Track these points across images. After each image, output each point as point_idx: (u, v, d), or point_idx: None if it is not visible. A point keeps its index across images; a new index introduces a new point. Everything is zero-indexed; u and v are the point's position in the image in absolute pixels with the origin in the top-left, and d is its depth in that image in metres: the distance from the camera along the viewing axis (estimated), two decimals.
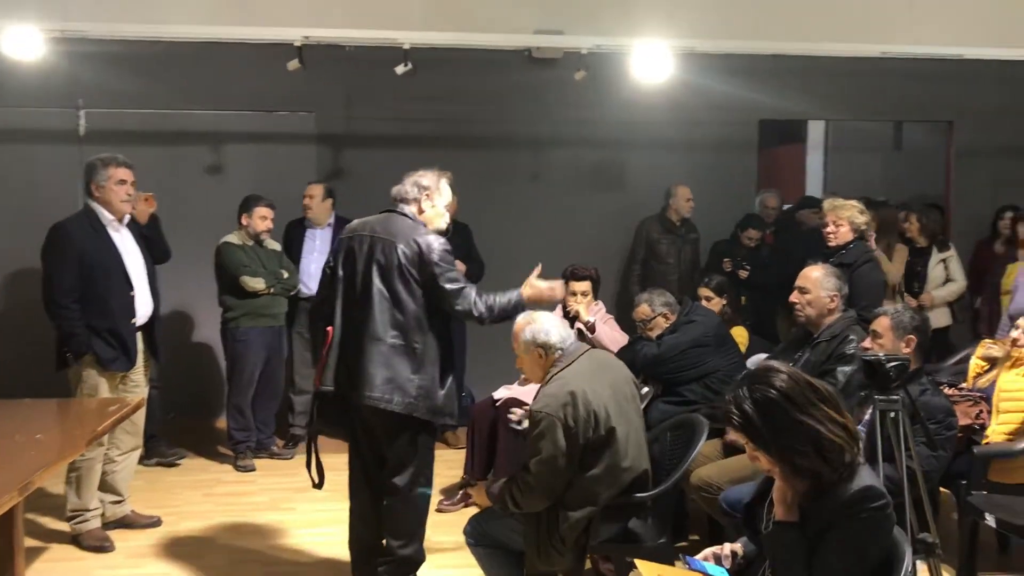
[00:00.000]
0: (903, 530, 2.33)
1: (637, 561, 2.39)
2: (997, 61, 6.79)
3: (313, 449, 3.83)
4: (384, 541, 3.76)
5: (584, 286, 5.01)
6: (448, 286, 3.58)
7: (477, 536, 3.36)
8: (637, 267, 6.79)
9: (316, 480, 3.81)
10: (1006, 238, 6.61)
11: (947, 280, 6.38)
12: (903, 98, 7.24)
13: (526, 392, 4.92)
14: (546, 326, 3.35)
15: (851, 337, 3.89)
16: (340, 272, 3.65)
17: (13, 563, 3.56)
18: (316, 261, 6.01)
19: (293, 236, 6.04)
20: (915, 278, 6.32)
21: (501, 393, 5.02)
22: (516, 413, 3.93)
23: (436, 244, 3.58)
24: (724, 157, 7.12)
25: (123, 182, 4.44)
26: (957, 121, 7.36)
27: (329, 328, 3.61)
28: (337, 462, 5.68)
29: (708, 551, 2.40)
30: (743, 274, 6.52)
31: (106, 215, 4.44)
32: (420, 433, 3.63)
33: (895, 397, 2.87)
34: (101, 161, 4.44)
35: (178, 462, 5.79)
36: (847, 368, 3.80)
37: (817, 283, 4.03)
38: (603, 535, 3.25)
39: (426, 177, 3.75)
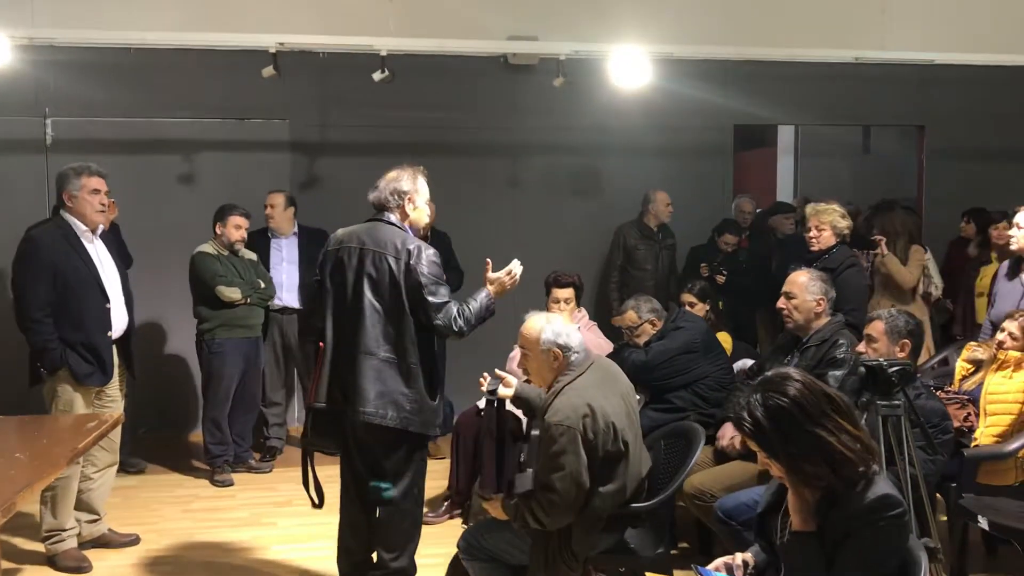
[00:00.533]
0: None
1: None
2: (967, 66, 6.90)
3: (310, 466, 3.74)
4: (375, 554, 3.70)
5: (567, 293, 4.97)
6: (431, 299, 3.51)
7: (472, 550, 3.29)
8: (615, 273, 6.78)
9: (316, 500, 3.73)
10: (978, 241, 6.68)
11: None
12: (875, 103, 7.31)
13: (503, 374, 4.85)
14: (567, 328, 3.29)
15: (841, 341, 3.89)
16: (328, 285, 3.56)
17: None
18: (286, 271, 5.95)
19: (258, 246, 5.91)
20: None
21: (485, 402, 4.96)
22: (485, 379, 3.79)
23: (426, 254, 3.53)
24: (700, 162, 7.15)
25: (96, 191, 4.32)
26: (928, 126, 7.44)
27: (321, 343, 3.54)
28: (320, 475, 5.64)
29: (720, 561, 2.37)
30: (720, 279, 6.53)
31: (80, 226, 4.32)
32: (414, 446, 3.60)
33: (897, 402, 2.87)
34: (73, 170, 4.32)
35: (136, 472, 5.71)
36: (838, 372, 3.80)
37: (803, 288, 4.03)
38: (600, 546, 3.21)
39: (403, 181, 3.66)
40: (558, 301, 4.94)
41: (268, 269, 5.86)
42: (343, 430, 3.63)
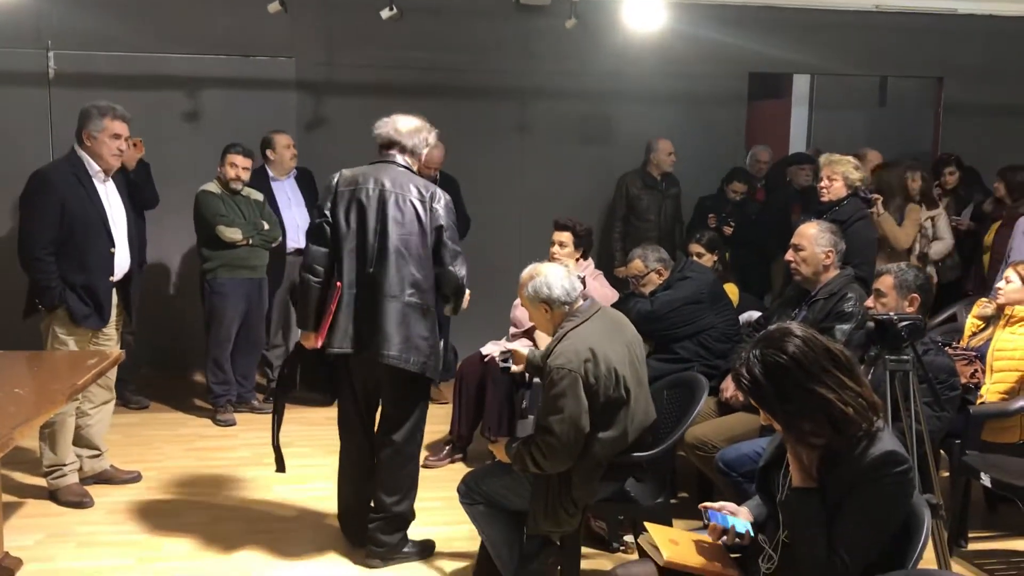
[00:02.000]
0: None
1: (648, 525, 2.34)
2: (988, 16, 6.73)
3: (278, 424, 3.81)
4: (375, 499, 3.71)
5: (563, 236, 4.89)
6: (451, 244, 3.57)
7: (472, 495, 3.29)
8: (618, 224, 6.69)
9: (280, 465, 3.84)
10: (994, 198, 6.57)
11: (935, 238, 6.35)
12: (894, 53, 7.16)
13: (515, 347, 4.85)
14: (549, 279, 3.21)
15: (849, 295, 3.83)
16: (344, 226, 3.51)
17: None
18: (297, 213, 5.91)
19: (260, 188, 5.80)
20: None
21: (489, 348, 4.95)
22: (499, 353, 3.80)
23: (445, 199, 3.56)
24: (713, 110, 7.02)
25: (117, 136, 4.24)
26: (947, 78, 7.29)
27: (338, 284, 3.50)
28: (317, 417, 5.67)
29: (730, 505, 2.34)
30: (727, 230, 6.45)
31: (93, 166, 4.24)
32: (423, 391, 3.65)
33: (905, 357, 2.82)
34: (98, 110, 4.21)
35: (139, 409, 5.74)
36: (846, 326, 3.75)
37: (812, 240, 3.96)
38: (600, 494, 3.19)
39: (430, 136, 3.70)
40: (554, 244, 4.90)
41: (278, 211, 5.79)
42: (346, 374, 3.62)
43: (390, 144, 3.64)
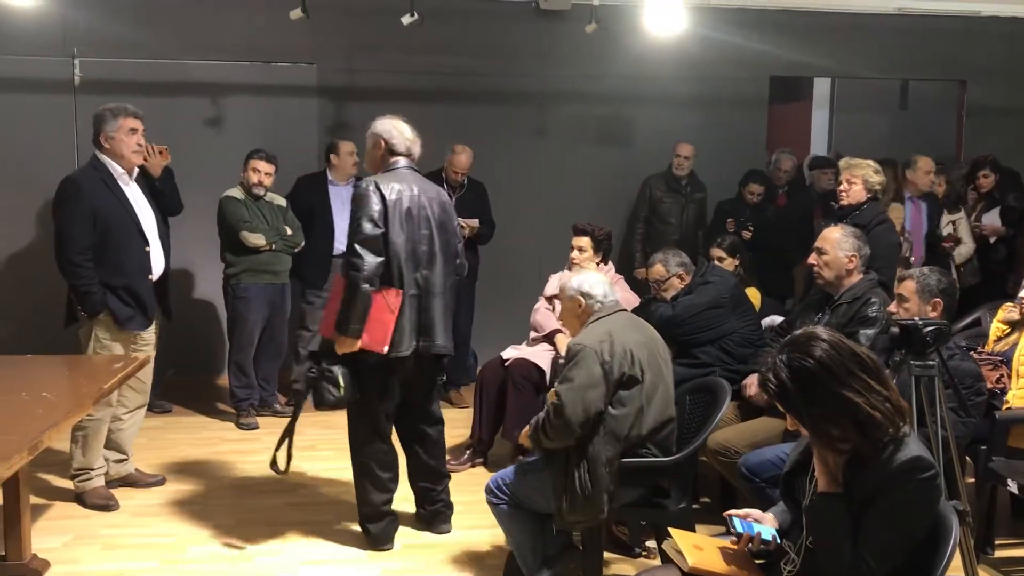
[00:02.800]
0: None
1: (672, 530, 2.34)
2: (1011, 19, 6.68)
3: (293, 431, 3.93)
4: (431, 473, 4.05)
5: (581, 241, 4.93)
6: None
7: (498, 495, 3.31)
8: (640, 226, 6.70)
9: (284, 468, 3.93)
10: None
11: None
12: (916, 56, 7.11)
13: (535, 352, 4.87)
14: (593, 279, 3.44)
15: (873, 300, 3.80)
16: (400, 235, 3.67)
17: (20, 520, 3.51)
18: (347, 220, 5.93)
19: (316, 192, 5.87)
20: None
21: (510, 353, 4.96)
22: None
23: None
24: (734, 114, 7.01)
25: (133, 131, 4.29)
26: (970, 80, 7.23)
27: (397, 292, 3.67)
28: (338, 420, 5.67)
29: (755, 512, 2.34)
30: (747, 234, 6.41)
31: (117, 168, 4.29)
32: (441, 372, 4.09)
33: (931, 362, 2.80)
34: (110, 111, 4.27)
35: (162, 413, 5.80)
36: (870, 331, 3.72)
37: (835, 244, 3.93)
38: (624, 499, 3.20)
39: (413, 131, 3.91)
40: (573, 249, 4.95)
41: (331, 216, 5.82)
42: (383, 377, 3.76)
43: (408, 152, 3.83)
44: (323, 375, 3.66)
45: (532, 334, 5.07)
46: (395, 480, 3.94)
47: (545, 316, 5.03)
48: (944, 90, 8.70)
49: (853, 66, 7.25)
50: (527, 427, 3.37)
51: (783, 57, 6.85)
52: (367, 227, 3.58)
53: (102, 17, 6.11)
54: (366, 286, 3.57)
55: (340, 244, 5.88)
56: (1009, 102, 7.11)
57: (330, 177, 5.97)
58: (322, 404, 3.70)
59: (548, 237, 6.69)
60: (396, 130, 3.81)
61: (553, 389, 3.25)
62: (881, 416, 2.03)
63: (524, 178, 6.82)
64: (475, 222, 5.99)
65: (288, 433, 3.90)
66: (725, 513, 2.36)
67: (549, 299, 5.12)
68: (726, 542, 2.30)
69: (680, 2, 5.83)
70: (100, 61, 6.20)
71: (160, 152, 4.98)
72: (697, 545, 2.27)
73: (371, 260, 3.58)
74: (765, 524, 2.29)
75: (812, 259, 3.99)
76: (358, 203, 3.64)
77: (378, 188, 3.65)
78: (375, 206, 3.62)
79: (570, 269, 5.04)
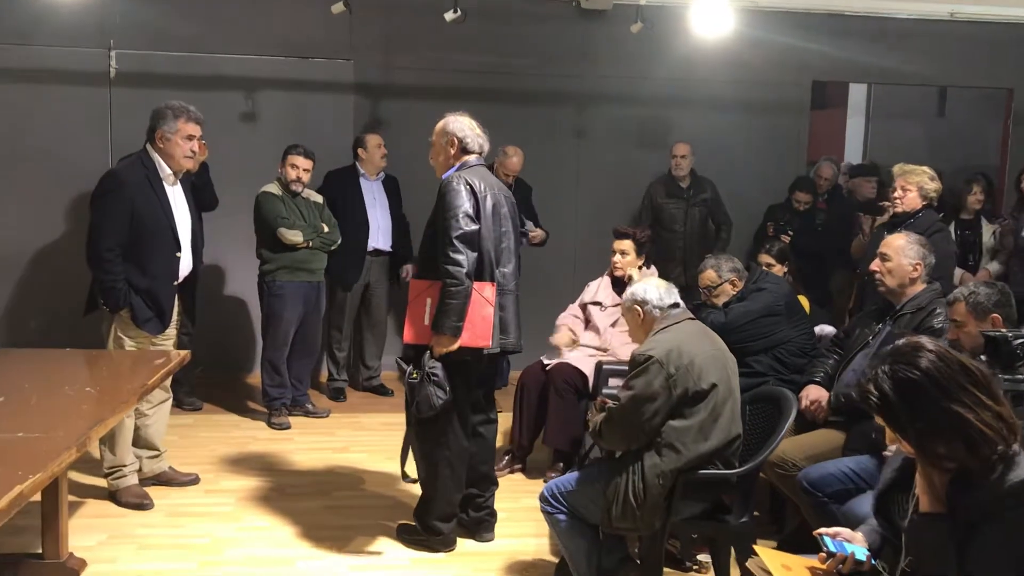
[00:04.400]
0: None
1: (759, 549, 2.22)
2: None
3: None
4: (482, 477, 3.94)
5: (624, 245, 4.86)
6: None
7: (553, 504, 3.21)
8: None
9: (415, 476, 3.85)
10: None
11: (997, 252, 6.15)
12: (963, 63, 6.96)
13: (577, 357, 4.76)
14: (645, 285, 3.38)
15: (938, 311, 3.67)
16: (490, 231, 3.63)
17: (58, 519, 3.43)
18: (380, 215, 5.93)
19: (347, 187, 5.83)
20: (970, 250, 6.10)
21: (551, 358, 4.84)
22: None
23: None
24: (775, 119, 6.89)
25: (191, 138, 4.21)
26: (1017, 88, 7.09)
27: (493, 285, 3.62)
28: (372, 422, 5.61)
29: (845, 532, 2.22)
30: (785, 239, 6.29)
31: (164, 168, 4.21)
32: None
33: (1021, 376, 2.67)
34: (172, 111, 4.17)
35: (192, 410, 5.73)
36: None
37: (900, 251, 3.80)
38: (684, 512, 3.09)
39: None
40: (615, 253, 4.89)
41: (364, 211, 5.79)
42: (467, 373, 3.69)
43: (480, 148, 3.78)
44: (429, 378, 3.52)
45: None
46: (459, 485, 3.85)
47: (570, 318, 4.97)
48: (983, 97, 8.55)
49: (898, 73, 7.11)
50: (594, 408, 3.38)
51: (827, 61, 6.73)
52: (464, 223, 3.50)
53: (139, 9, 6.05)
54: (468, 282, 3.50)
55: (374, 241, 5.87)
56: None
57: (360, 171, 5.91)
58: (430, 409, 3.55)
59: (585, 240, 6.60)
60: (469, 128, 3.75)
61: (616, 391, 3.22)
62: (992, 433, 1.91)
63: (562, 180, 6.72)
64: (541, 233, 5.97)
65: (408, 442, 3.82)
66: (815, 532, 2.23)
67: (584, 306, 5.02)
68: (814, 561, 2.18)
69: (727, 3, 5.73)
70: (136, 54, 6.13)
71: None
72: (785, 564, 2.16)
73: (469, 256, 3.51)
74: (856, 543, 2.17)
75: (875, 265, 3.86)
76: (450, 199, 3.54)
77: (468, 183, 3.58)
78: (468, 201, 3.55)
79: (612, 275, 4.96)
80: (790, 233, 6.31)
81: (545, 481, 4.67)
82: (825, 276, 6.55)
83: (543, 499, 3.26)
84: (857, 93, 9.89)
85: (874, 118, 9.80)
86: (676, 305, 3.32)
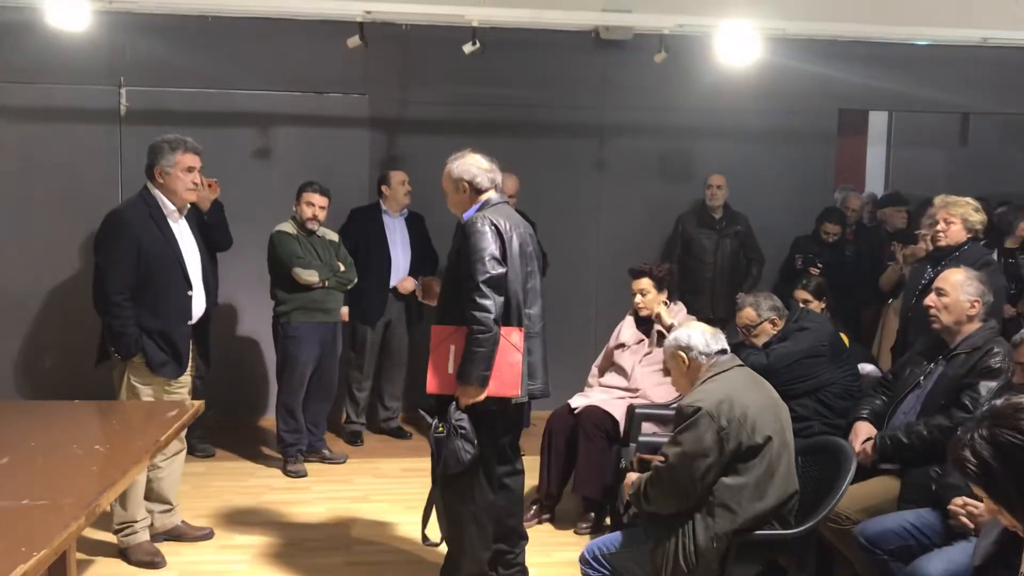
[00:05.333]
0: None
1: None
2: None
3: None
4: (512, 529, 3.71)
5: (643, 283, 4.69)
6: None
7: (596, 567, 3.00)
8: (673, 266, 6.34)
9: (439, 539, 3.60)
10: None
11: None
12: (992, 90, 6.78)
13: (607, 401, 4.55)
14: (689, 331, 3.21)
15: (996, 350, 3.46)
16: (518, 273, 3.43)
17: None
18: (402, 252, 5.81)
19: (370, 224, 5.72)
20: (1012, 280, 5.88)
21: (578, 401, 4.64)
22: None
23: None
24: (800, 148, 6.71)
25: (191, 169, 4.04)
26: None
27: (520, 330, 3.41)
28: (391, 469, 5.39)
29: None
30: (814, 271, 6.09)
31: (168, 205, 4.04)
32: None
33: None
34: (168, 144, 4.02)
35: (204, 457, 5.54)
36: (992, 383, 3.38)
37: (958, 286, 3.60)
38: (739, 574, 2.86)
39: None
40: (635, 294, 4.71)
41: (386, 249, 5.69)
42: (492, 422, 3.46)
43: (493, 183, 3.57)
44: (456, 432, 3.31)
45: (591, 380, 4.82)
46: (487, 542, 3.62)
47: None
48: (1007, 125, 8.36)
49: (924, 99, 6.92)
50: (630, 476, 3.13)
51: (853, 89, 6.56)
52: (491, 266, 3.30)
53: (150, 45, 5.91)
54: (496, 328, 3.30)
55: (395, 278, 5.75)
56: None
57: (384, 208, 5.78)
58: (458, 464, 3.33)
59: (606, 276, 6.40)
60: (474, 167, 3.52)
61: (652, 438, 2.96)
62: None
63: (582, 214, 6.55)
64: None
65: (431, 502, 3.59)
66: None
67: (618, 347, 4.83)
68: None
69: (751, 30, 5.58)
70: (147, 91, 6.00)
71: (209, 185, 4.74)
72: None
73: (498, 300, 3.32)
74: None
75: (930, 300, 3.65)
76: (475, 241, 3.33)
77: (494, 224, 3.37)
78: (495, 243, 3.34)
79: (636, 314, 4.78)
80: (819, 266, 6.12)
81: (576, 532, 4.47)
82: (855, 310, 6.34)
83: (584, 561, 3.05)
84: (877, 121, 9.70)
85: (896, 145, 9.61)
86: (724, 351, 3.11)
